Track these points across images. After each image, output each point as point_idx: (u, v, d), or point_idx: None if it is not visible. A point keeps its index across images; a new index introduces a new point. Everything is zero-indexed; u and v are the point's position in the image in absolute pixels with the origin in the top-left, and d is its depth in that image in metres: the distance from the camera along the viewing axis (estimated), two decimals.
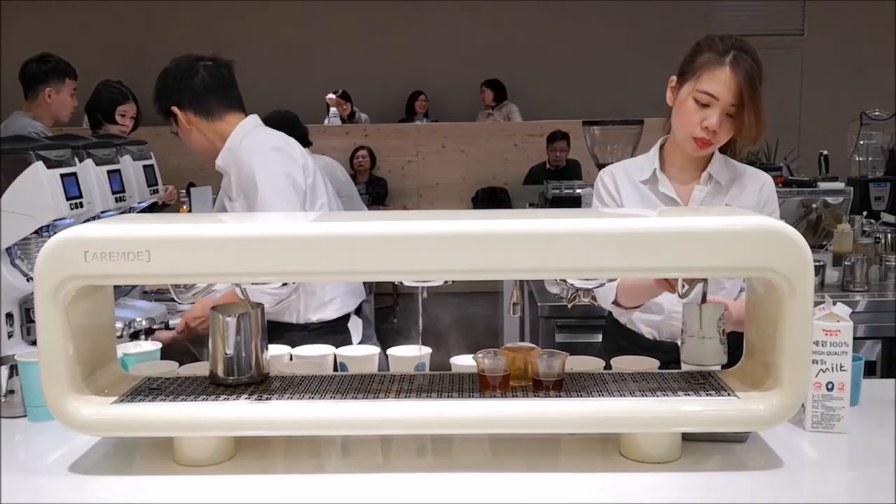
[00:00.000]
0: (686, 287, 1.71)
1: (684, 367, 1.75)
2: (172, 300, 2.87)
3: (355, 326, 2.58)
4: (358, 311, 2.64)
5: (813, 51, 9.70)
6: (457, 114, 9.27)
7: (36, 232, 2.17)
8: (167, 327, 2.56)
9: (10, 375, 1.79)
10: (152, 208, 3.23)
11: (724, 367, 1.72)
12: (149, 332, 2.46)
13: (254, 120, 2.52)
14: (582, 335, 3.06)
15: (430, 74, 9.60)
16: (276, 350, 1.86)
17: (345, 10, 9.50)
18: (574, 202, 4.31)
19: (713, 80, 1.96)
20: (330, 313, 2.49)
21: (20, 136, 2.68)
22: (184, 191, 4.44)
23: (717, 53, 1.97)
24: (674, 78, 2.06)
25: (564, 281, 1.62)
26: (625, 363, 1.77)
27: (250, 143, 2.41)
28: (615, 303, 2.10)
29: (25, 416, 1.78)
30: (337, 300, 2.50)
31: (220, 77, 2.49)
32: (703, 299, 1.68)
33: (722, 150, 2.11)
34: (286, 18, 9.46)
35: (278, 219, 2.03)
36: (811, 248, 1.46)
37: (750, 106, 1.94)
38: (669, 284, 1.81)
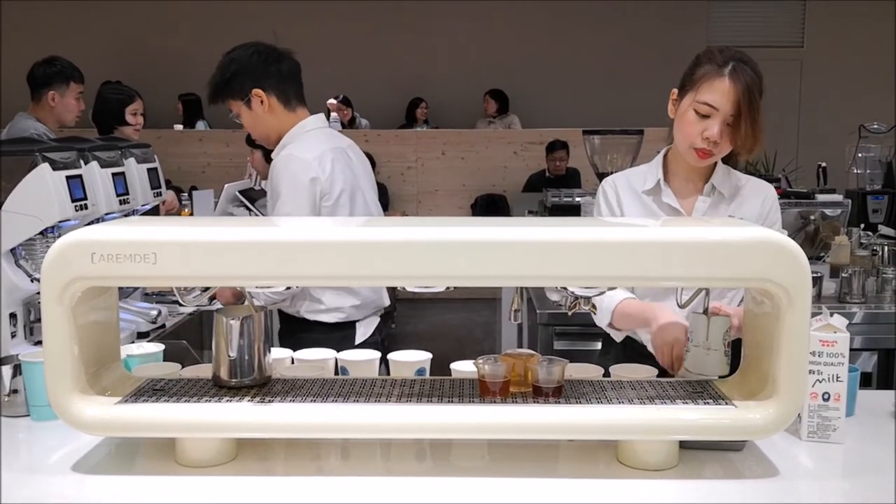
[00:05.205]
0: (686, 298, 1.72)
1: (685, 376, 1.77)
2: (174, 302, 2.92)
3: (370, 324, 2.58)
4: None
5: (812, 63, 9.74)
6: (457, 121, 9.30)
7: (41, 233, 2.19)
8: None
9: (14, 375, 1.80)
10: (156, 211, 3.24)
11: (722, 376, 1.73)
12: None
13: (315, 121, 2.54)
14: (580, 343, 3.08)
15: (431, 81, 9.63)
16: (279, 353, 1.87)
17: (347, 15, 9.54)
18: (573, 210, 4.32)
19: (713, 91, 1.98)
20: (330, 318, 2.50)
21: (26, 139, 2.70)
22: (185, 193, 4.46)
23: (716, 65, 1.99)
24: (675, 91, 2.09)
25: (565, 289, 1.64)
26: (624, 371, 1.79)
27: (289, 155, 2.44)
28: (610, 325, 2.13)
29: (28, 415, 1.79)
30: (343, 311, 2.51)
31: (298, 68, 2.53)
32: (706, 309, 1.70)
33: (725, 161, 2.13)
34: (288, 23, 9.49)
35: (283, 224, 2.05)
36: (809, 259, 1.48)
37: (747, 117, 1.96)
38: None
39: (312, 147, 2.47)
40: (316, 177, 2.41)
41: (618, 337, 2.20)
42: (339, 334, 2.47)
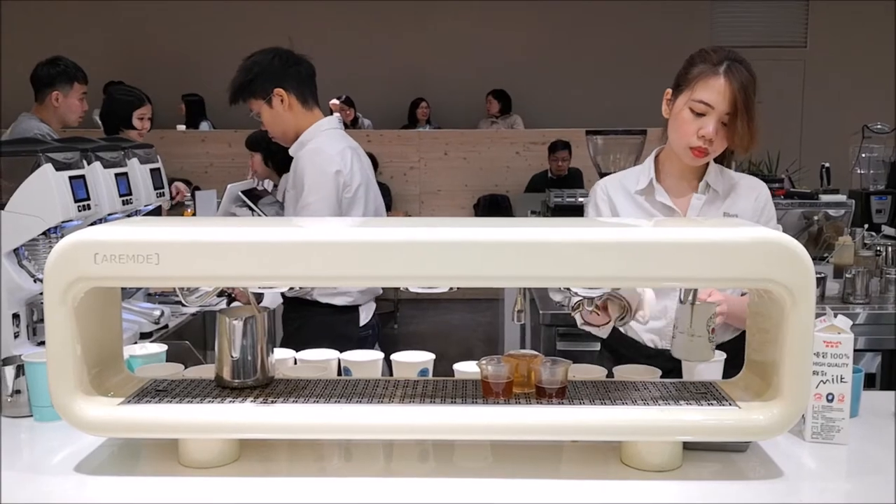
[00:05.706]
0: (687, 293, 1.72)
1: (678, 363, 1.77)
2: (177, 302, 2.92)
3: (369, 308, 2.78)
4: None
5: (815, 63, 9.74)
6: (459, 121, 9.30)
7: (44, 233, 2.19)
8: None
9: (17, 375, 1.80)
10: (158, 212, 3.25)
11: (725, 376, 1.73)
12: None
13: (329, 122, 2.73)
14: (583, 343, 3.07)
15: (433, 81, 9.63)
16: (281, 354, 1.87)
17: (348, 15, 9.54)
18: (576, 211, 4.33)
19: (708, 89, 1.99)
20: (340, 301, 2.66)
21: (30, 139, 2.69)
22: (188, 194, 4.46)
23: (711, 64, 2.01)
24: (669, 90, 2.10)
25: (568, 289, 1.63)
26: (627, 372, 1.79)
27: (314, 148, 2.61)
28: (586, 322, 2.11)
29: (31, 415, 1.80)
30: (350, 295, 2.68)
31: (313, 71, 2.73)
32: (694, 298, 1.70)
33: (717, 161, 2.14)
34: (290, 23, 9.50)
35: (287, 224, 2.05)
36: (812, 259, 1.47)
37: (743, 114, 1.98)
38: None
39: (333, 143, 2.65)
40: (339, 169, 2.59)
41: (602, 333, 2.20)
42: (345, 317, 2.66)
